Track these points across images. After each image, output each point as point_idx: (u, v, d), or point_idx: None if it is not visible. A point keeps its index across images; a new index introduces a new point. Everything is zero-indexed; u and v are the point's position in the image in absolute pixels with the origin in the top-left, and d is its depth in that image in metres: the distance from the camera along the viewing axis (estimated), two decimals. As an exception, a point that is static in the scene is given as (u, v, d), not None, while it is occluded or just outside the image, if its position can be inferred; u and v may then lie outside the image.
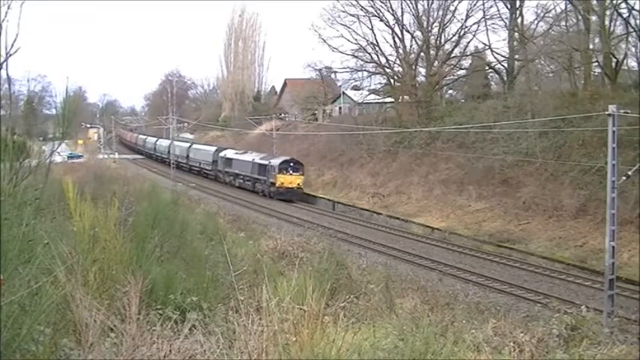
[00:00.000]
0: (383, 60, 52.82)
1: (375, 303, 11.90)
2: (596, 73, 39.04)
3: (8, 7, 4.88)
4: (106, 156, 73.03)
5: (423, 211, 37.45)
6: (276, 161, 47.22)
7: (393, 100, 54.90)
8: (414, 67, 51.77)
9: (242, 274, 9.57)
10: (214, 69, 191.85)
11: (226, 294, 8.53)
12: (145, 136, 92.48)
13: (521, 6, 44.95)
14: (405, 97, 51.76)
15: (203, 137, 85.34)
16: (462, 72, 52.87)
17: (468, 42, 51.01)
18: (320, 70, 63.27)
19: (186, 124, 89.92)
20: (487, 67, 51.17)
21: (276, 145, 56.28)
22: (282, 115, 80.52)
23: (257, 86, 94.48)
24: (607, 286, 17.60)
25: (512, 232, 30.72)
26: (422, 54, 51.05)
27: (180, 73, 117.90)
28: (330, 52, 76.39)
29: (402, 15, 50.17)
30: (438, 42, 50.15)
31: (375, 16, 50.84)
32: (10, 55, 5.02)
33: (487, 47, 49.50)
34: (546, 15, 43.46)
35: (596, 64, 37.99)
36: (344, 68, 56.47)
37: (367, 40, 52.37)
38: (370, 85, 58.08)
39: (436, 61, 50.57)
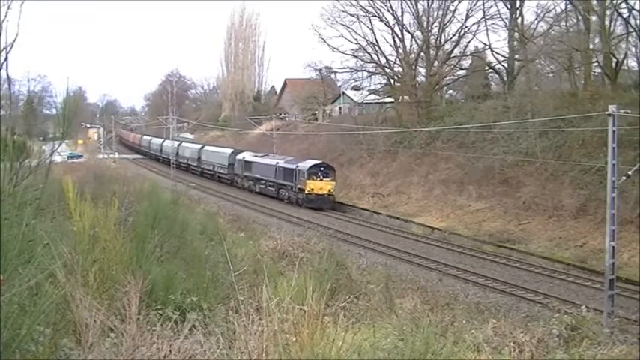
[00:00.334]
0: (383, 60, 52.92)
1: (375, 303, 11.90)
2: (596, 73, 39.05)
3: (8, 7, 4.89)
4: (105, 156, 73.06)
5: (423, 211, 37.45)
6: (304, 165, 43.03)
7: (393, 100, 54.91)
8: (414, 67, 51.80)
9: (242, 274, 9.57)
10: (214, 69, 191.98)
11: (226, 294, 8.53)
12: (149, 137, 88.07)
13: (521, 6, 45.02)
14: (405, 97, 51.77)
15: (203, 137, 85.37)
16: (462, 72, 52.92)
17: (468, 42, 51.17)
18: (320, 70, 63.41)
19: (186, 124, 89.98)
20: (487, 67, 51.20)
21: (276, 145, 56.25)
22: (282, 115, 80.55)
23: (257, 86, 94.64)
24: (607, 286, 17.59)
25: (512, 232, 30.73)
26: (422, 54, 51.08)
27: (180, 73, 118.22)
28: (330, 52, 76.51)
29: (402, 15, 50.31)
30: (438, 42, 50.19)
31: (375, 16, 50.95)
32: (9, 53, 5.02)
33: (487, 47, 49.61)
34: (546, 15, 43.57)
35: (596, 64, 38.02)
36: (344, 68, 56.64)
37: (367, 40, 52.51)
38: (370, 85, 58.21)
39: (436, 61, 50.59)
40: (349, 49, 56.00)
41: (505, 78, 47.31)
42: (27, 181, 5.38)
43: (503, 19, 46.63)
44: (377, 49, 52.49)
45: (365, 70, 55.50)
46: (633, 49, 38.19)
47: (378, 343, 6.57)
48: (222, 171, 56.75)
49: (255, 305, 6.08)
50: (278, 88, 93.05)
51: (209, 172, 60.10)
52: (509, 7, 45.41)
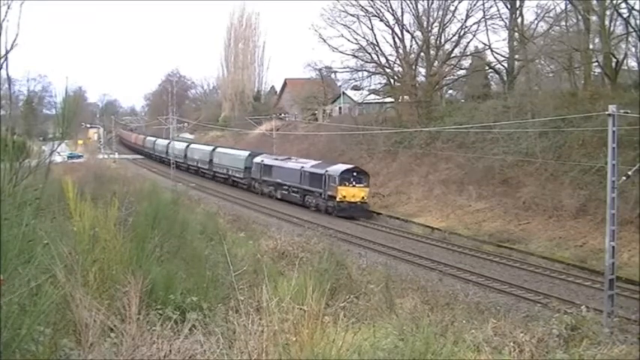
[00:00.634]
0: (383, 60, 52.94)
1: (375, 303, 11.89)
2: (596, 73, 39.06)
3: (8, 7, 4.89)
4: (105, 156, 73.06)
5: (423, 211, 37.45)
6: (335, 170, 39.43)
7: (393, 100, 54.93)
8: (414, 67, 51.81)
9: (242, 274, 9.57)
10: (214, 69, 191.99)
11: (226, 294, 8.52)
12: (154, 138, 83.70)
13: (521, 6, 45.03)
14: (405, 97, 51.78)
15: (203, 137, 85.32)
16: (462, 72, 52.93)
17: (468, 42, 51.19)
18: (320, 70, 63.44)
19: (186, 124, 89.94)
20: (487, 67, 51.21)
21: (276, 145, 56.24)
22: (282, 115, 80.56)
23: (257, 86, 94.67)
24: (607, 286, 17.59)
25: (512, 232, 30.74)
26: (422, 54, 51.09)
27: (180, 73, 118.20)
28: (330, 52, 76.46)
29: (402, 15, 50.34)
30: (438, 42, 50.20)
31: (375, 16, 50.96)
32: (8, 52, 5.02)
33: (487, 47, 49.62)
34: (546, 15, 43.57)
35: (596, 64, 38.02)
36: (344, 68, 56.68)
37: (367, 40, 52.54)
38: (370, 85, 58.24)
39: (436, 61, 50.60)
40: (349, 49, 56.18)
41: (505, 78, 47.33)
42: (27, 181, 5.38)
43: (503, 19, 46.74)
44: (377, 49, 52.62)
45: (365, 70, 55.58)
46: (633, 49, 38.26)
47: (378, 343, 6.58)
48: (237, 175, 52.84)
49: (255, 305, 6.08)
50: (278, 88, 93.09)
51: (222, 176, 56.21)
52: (509, 7, 45.43)
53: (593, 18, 36.90)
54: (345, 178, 38.52)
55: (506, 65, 47.29)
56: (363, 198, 38.40)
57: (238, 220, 31.50)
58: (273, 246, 21.35)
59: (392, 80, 53.95)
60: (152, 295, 7.05)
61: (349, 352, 5.60)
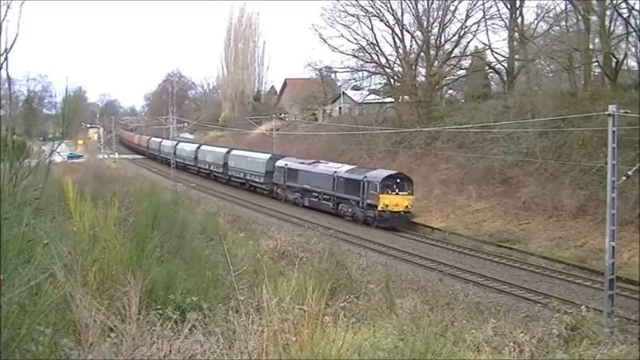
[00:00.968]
0: (383, 60, 52.97)
1: (375, 303, 11.89)
2: (596, 73, 39.08)
3: (8, 7, 4.89)
4: (105, 156, 73.07)
5: (423, 211, 37.43)
6: (376, 176, 35.83)
7: (393, 100, 54.94)
8: (414, 67, 51.82)
9: (242, 274, 9.57)
10: (214, 69, 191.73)
11: (226, 294, 8.52)
12: (159, 139, 79.05)
13: (521, 6, 45.03)
14: (405, 97, 51.81)
15: (203, 137, 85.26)
16: (462, 72, 52.95)
17: (468, 42, 51.21)
18: (320, 69, 63.41)
19: (186, 124, 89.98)
20: (487, 67, 51.21)
21: (276, 145, 56.22)
22: (282, 115, 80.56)
23: (257, 86, 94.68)
24: (607, 286, 17.58)
25: (512, 232, 30.74)
26: (422, 54, 51.11)
27: (180, 73, 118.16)
28: (331, 51, 76.38)
29: (402, 15, 50.38)
30: (438, 42, 50.22)
31: (375, 16, 51.00)
32: (8, 52, 5.02)
33: (487, 47, 49.62)
34: (546, 15, 43.57)
35: (596, 64, 38.03)
36: (344, 68, 56.70)
37: (367, 40, 52.58)
38: (370, 85, 58.27)
39: (436, 61, 50.62)
40: (349, 49, 56.21)
41: (505, 78, 47.34)
42: (26, 181, 5.38)
43: (503, 19, 46.74)
44: (377, 49, 52.66)
45: (365, 70, 55.60)
46: (633, 49, 38.26)
47: (378, 343, 6.57)
48: (257, 180, 48.40)
49: (255, 305, 6.09)
50: (278, 88, 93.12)
51: (238, 180, 52.01)
52: (509, 7, 45.43)
53: (593, 18, 36.91)
54: (388, 184, 34.98)
55: (506, 65, 47.31)
56: (406, 207, 34.99)
57: (238, 220, 31.50)
58: (273, 246, 21.36)
59: (392, 80, 53.97)
60: (152, 295, 7.05)
61: (349, 352, 5.60)
